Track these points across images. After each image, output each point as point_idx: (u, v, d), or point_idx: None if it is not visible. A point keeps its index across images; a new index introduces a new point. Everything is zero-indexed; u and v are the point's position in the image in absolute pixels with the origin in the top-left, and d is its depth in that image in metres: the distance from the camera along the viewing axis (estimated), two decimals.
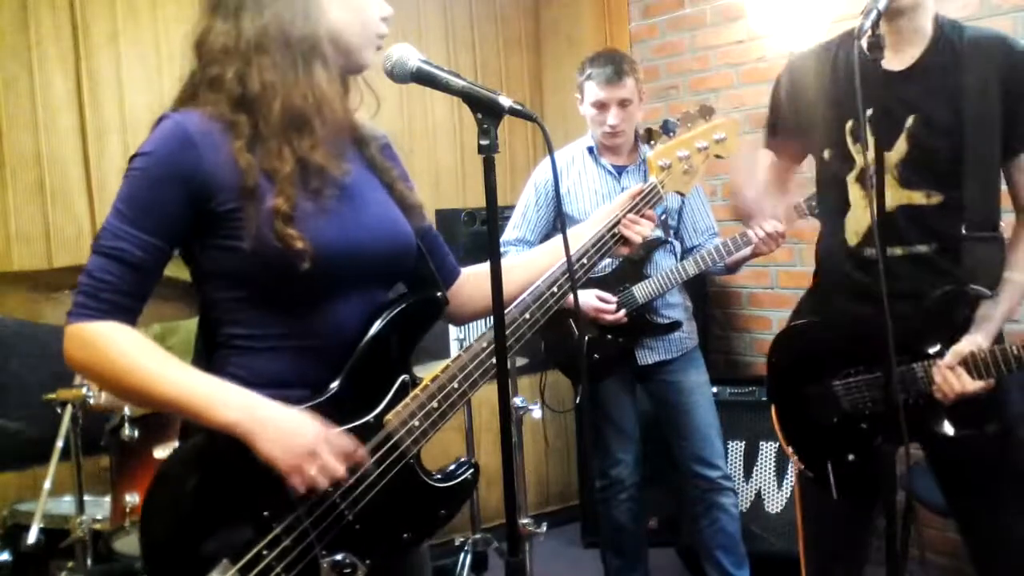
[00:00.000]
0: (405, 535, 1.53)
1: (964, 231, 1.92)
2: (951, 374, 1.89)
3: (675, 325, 3.18)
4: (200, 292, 1.52)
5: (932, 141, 1.93)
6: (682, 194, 1.83)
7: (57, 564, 2.73)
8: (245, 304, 1.47)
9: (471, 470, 1.60)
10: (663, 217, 3.17)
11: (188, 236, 1.44)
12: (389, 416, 1.50)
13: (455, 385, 1.53)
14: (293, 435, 1.37)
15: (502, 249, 3.23)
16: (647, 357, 3.21)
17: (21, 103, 3.44)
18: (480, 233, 4.11)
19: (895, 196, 1.97)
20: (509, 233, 3.26)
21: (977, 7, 3.16)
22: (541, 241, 3.30)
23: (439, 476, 1.58)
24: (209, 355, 1.51)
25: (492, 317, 1.56)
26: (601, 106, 3.11)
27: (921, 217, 1.96)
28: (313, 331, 1.48)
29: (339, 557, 1.46)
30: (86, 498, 2.68)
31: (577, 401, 3.29)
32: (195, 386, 1.38)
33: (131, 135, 3.61)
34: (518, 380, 3.24)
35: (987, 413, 1.94)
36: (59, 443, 2.64)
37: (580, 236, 1.70)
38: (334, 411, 1.45)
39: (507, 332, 1.54)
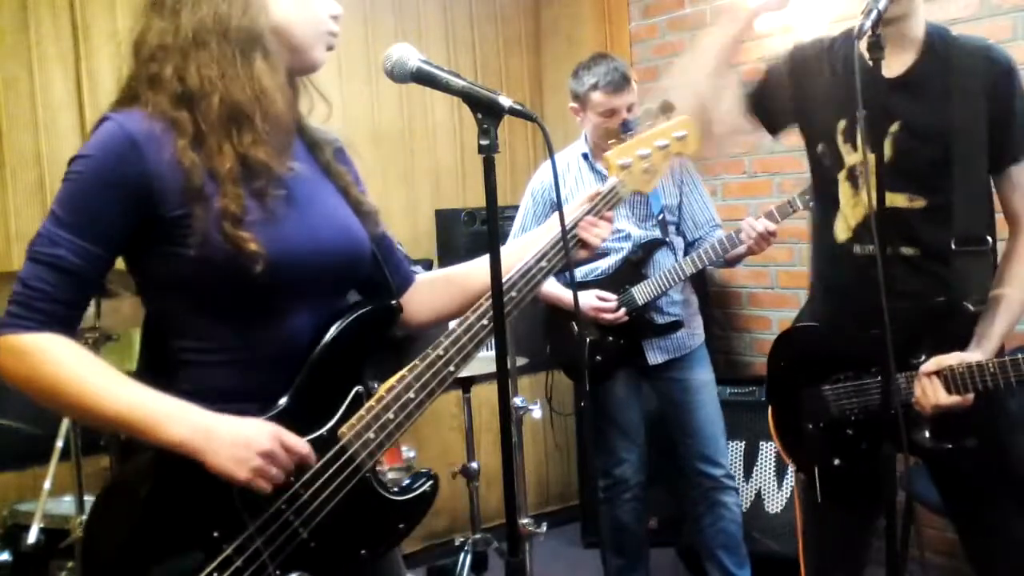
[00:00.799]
0: (362, 551, 1.48)
1: (953, 245, 1.93)
2: (928, 385, 1.89)
3: (676, 324, 3.18)
4: (146, 302, 1.46)
5: (915, 147, 1.94)
6: (642, 193, 1.80)
7: (57, 564, 2.73)
8: (194, 315, 1.40)
9: (429, 482, 1.55)
10: (660, 216, 3.18)
11: (133, 243, 1.37)
12: (343, 429, 1.46)
13: (411, 395, 1.48)
14: (246, 444, 1.32)
15: None
16: (657, 357, 3.20)
17: (21, 103, 3.44)
18: (480, 233, 4.10)
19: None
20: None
21: (977, 7, 3.16)
22: None
23: (396, 489, 1.53)
24: (156, 369, 1.44)
25: (448, 324, 1.54)
26: (611, 114, 3.10)
27: (903, 220, 1.96)
28: (264, 342, 1.42)
29: (293, 575, 1.42)
30: (86, 498, 2.68)
31: (582, 404, 3.29)
32: (140, 402, 1.32)
33: None
34: (518, 380, 3.24)
35: (968, 427, 1.93)
36: (59, 443, 2.65)
37: (538, 240, 1.63)
38: (284, 425, 1.40)
39: (467, 335, 1.52)
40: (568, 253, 1.55)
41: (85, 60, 3.53)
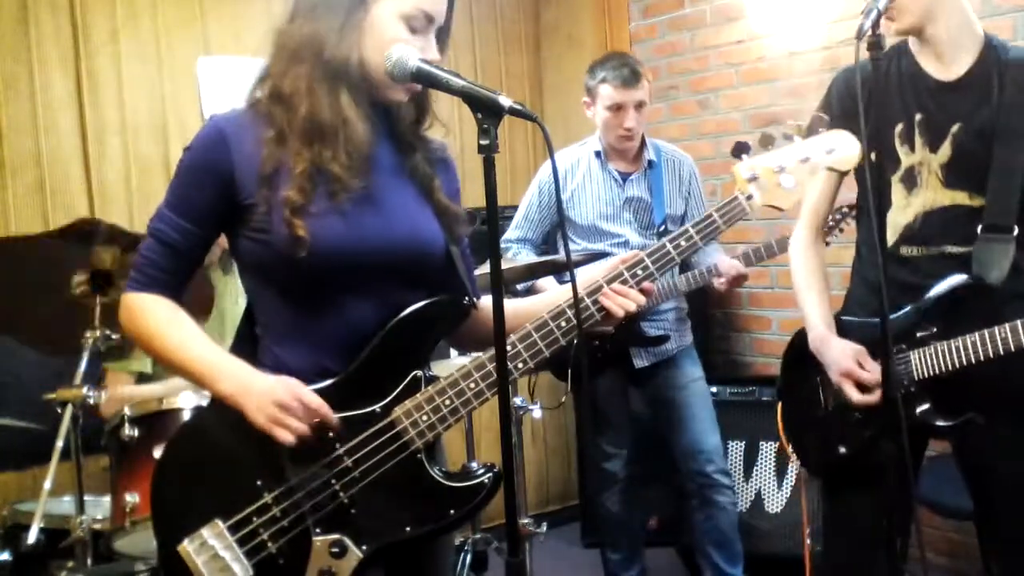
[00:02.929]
0: (407, 528, 1.53)
1: (979, 231, 1.98)
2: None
3: (662, 339, 3.19)
4: (245, 284, 1.66)
5: (974, 148, 2.00)
6: (780, 209, 1.62)
7: (57, 564, 2.72)
8: (269, 295, 1.57)
9: (489, 475, 1.57)
10: (662, 226, 3.17)
11: (225, 226, 1.55)
12: (396, 408, 1.53)
13: (470, 384, 1.54)
14: (267, 394, 1.46)
15: (504, 247, 3.22)
16: (643, 360, 3.21)
17: (21, 103, 3.43)
18: (480, 233, 4.06)
19: (939, 196, 2.05)
20: (511, 232, 3.25)
21: (978, 7, 3.15)
22: (543, 241, 3.29)
23: (450, 474, 1.57)
24: (248, 342, 1.63)
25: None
26: (618, 108, 3.09)
27: (962, 218, 2.02)
28: (323, 325, 1.54)
29: (333, 537, 1.49)
30: (86, 498, 2.67)
31: (563, 399, 3.31)
32: (201, 358, 1.52)
33: (131, 135, 3.61)
34: (517, 380, 3.24)
35: (967, 402, 1.97)
36: (59, 443, 2.64)
37: (591, 277, 1.59)
38: (338, 397, 1.50)
39: (539, 333, 1.56)
40: (569, 255, 1.55)
41: (85, 60, 3.53)
